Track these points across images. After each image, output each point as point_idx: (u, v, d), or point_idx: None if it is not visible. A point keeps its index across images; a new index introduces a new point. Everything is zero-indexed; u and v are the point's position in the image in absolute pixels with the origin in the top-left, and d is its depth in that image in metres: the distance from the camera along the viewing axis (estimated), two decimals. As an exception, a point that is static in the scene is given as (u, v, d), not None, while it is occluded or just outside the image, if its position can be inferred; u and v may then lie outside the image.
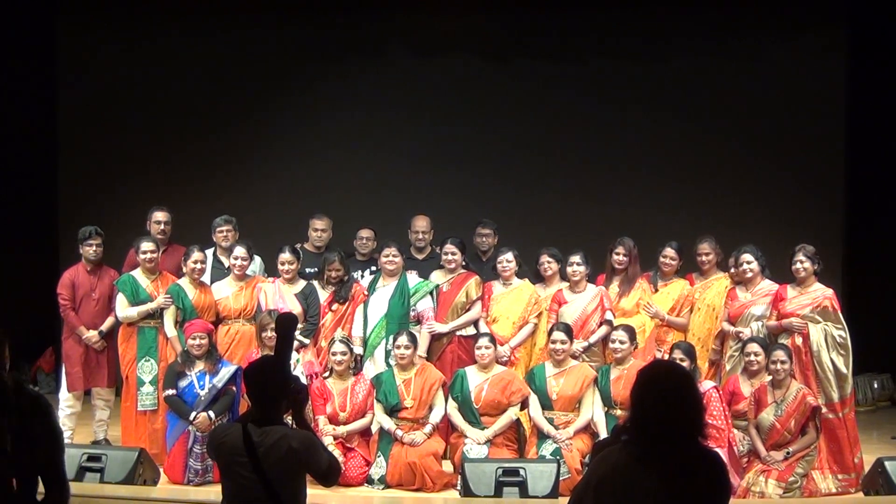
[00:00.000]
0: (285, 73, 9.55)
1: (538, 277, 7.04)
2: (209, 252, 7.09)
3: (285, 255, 6.85)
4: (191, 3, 9.56)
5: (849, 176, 9.30)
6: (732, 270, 6.75)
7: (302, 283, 6.90)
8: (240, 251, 6.85)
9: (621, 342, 6.33)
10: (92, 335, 6.91)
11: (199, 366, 6.37)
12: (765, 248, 6.73)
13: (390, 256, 6.87)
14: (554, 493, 5.55)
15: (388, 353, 6.75)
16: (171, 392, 6.32)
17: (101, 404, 7.07)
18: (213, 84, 9.54)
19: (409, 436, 6.27)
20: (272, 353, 4.01)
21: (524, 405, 6.44)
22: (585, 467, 5.61)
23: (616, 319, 6.68)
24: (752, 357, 6.23)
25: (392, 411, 6.39)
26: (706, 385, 6.10)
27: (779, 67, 9.22)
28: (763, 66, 9.23)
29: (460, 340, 6.91)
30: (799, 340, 6.34)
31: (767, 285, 6.60)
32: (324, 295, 6.88)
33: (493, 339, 6.55)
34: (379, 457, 6.29)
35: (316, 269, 7.05)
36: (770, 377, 6.15)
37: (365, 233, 7.41)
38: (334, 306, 6.87)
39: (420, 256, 7.31)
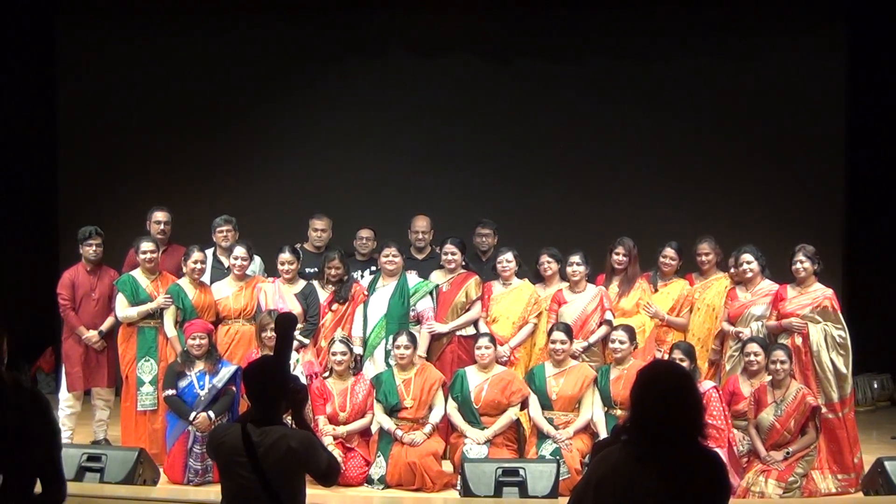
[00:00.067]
0: (285, 73, 9.55)
1: (538, 277, 7.04)
2: (209, 252, 7.09)
3: (285, 255, 6.85)
4: (191, 3, 9.57)
5: (849, 176, 9.30)
6: (732, 270, 6.75)
7: (302, 283, 6.90)
8: (240, 251, 6.85)
9: (621, 342, 6.33)
10: (92, 335, 6.91)
11: (199, 366, 6.37)
12: (765, 248, 6.73)
13: (390, 256, 6.87)
14: (554, 493, 5.55)
15: (387, 353, 6.75)
16: (170, 392, 6.31)
17: (100, 404, 7.07)
18: (213, 84, 9.54)
19: (409, 436, 6.27)
20: (272, 353, 4.01)
21: (524, 405, 6.44)
22: (585, 467, 5.60)
23: (616, 319, 6.68)
24: (752, 357, 6.23)
25: (392, 411, 6.39)
26: (706, 385, 6.10)
27: (779, 67, 9.22)
28: (763, 66, 9.23)
29: (460, 340, 6.91)
30: (799, 340, 6.34)
31: (767, 285, 6.60)
32: (324, 295, 6.88)
33: (492, 339, 6.55)
34: (379, 457, 6.29)
35: (316, 269, 7.06)
36: (770, 377, 6.15)
37: (365, 233, 7.41)
38: (334, 306, 6.87)
39: (420, 256, 7.31)
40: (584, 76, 9.43)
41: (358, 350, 6.76)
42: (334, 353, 6.44)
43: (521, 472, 5.62)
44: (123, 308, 6.80)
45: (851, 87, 9.25)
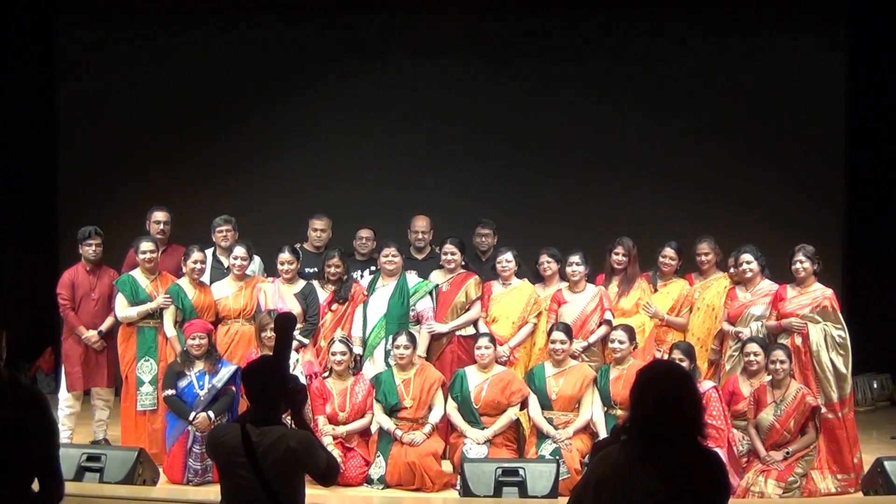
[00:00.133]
0: (285, 73, 9.55)
1: (538, 277, 7.04)
2: (209, 252, 7.09)
3: (285, 255, 6.85)
4: (191, 3, 9.57)
5: (849, 176, 9.31)
6: (732, 270, 6.75)
7: (301, 283, 6.89)
8: (239, 251, 6.85)
9: (620, 342, 6.32)
10: (91, 335, 6.90)
11: (199, 366, 6.37)
12: (765, 248, 6.73)
13: (390, 256, 6.87)
14: (553, 493, 5.54)
15: (387, 353, 6.75)
16: (170, 392, 6.31)
17: (100, 404, 7.07)
18: (213, 84, 9.55)
19: (409, 436, 6.27)
20: (271, 353, 4.00)
21: (524, 405, 6.44)
22: (585, 467, 5.60)
23: (615, 319, 6.68)
24: (752, 357, 6.23)
25: (391, 411, 6.39)
26: (706, 385, 6.09)
27: (779, 67, 9.22)
28: (763, 66, 9.23)
29: (460, 340, 6.90)
30: (798, 340, 6.34)
31: (767, 285, 6.60)
32: (323, 295, 6.88)
33: (492, 339, 6.55)
34: (378, 457, 6.29)
35: (315, 269, 7.06)
36: (769, 377, 6.14)
37: (364, 233, 7.41)
38: (334, 306, 6.87)
39: (420, 256, 7.31)
40: (584, 76, 9.43)
41: (357, 350, 6.76)
42: (334, 353, 6.44)
43: (521, 472, 5.61)
44: (123, 308, 6.80)
45: (851, 87, 9.25)
